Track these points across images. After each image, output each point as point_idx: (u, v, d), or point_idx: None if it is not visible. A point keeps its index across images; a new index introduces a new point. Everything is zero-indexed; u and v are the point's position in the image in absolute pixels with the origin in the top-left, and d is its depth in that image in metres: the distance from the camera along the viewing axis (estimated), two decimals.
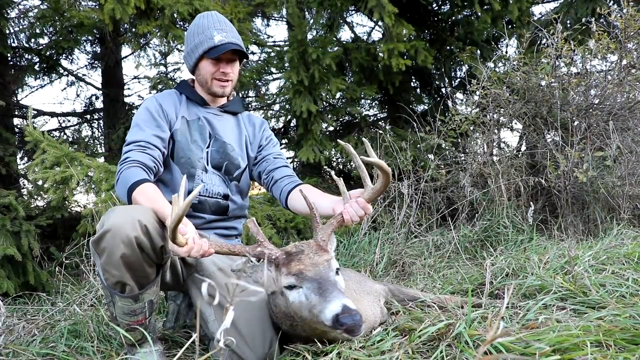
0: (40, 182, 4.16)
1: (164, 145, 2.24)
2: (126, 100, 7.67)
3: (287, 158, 7.72)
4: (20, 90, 7.62)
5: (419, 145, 5.07)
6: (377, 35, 7.24)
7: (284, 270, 1.82)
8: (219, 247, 1.86)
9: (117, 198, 3.63)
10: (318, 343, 1.92)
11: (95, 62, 7.89)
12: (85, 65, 7.99)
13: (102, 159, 6.64)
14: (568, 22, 5.78)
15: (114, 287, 1.93)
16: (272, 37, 8.11)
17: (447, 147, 5.15)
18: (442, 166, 5.01)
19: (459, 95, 6.61)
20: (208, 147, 2.37)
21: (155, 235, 1.88)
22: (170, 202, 1.70)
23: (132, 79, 8.20)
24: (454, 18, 6.54)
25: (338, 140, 2.47)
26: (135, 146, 2.14)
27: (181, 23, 5.14)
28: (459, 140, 4.98)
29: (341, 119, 6.82)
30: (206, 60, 2.30)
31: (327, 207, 2.09)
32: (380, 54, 5.49)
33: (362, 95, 6.22)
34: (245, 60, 2.52)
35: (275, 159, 2.51)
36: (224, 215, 2.40)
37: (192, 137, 2.33)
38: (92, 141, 8.02)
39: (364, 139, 1.99)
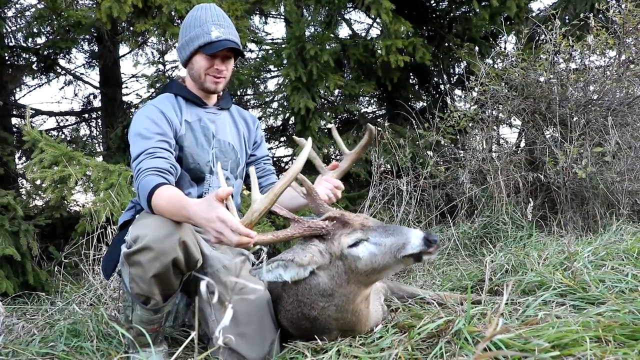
0: (38, 182, 4.16)
1: (172, 149, 2.15)
2: (124, 99, 7.66)
3: (286, 156, 7.79)
4: (18, 89, 7.62)
5: (417, 142, 5.07)
6: (375, 32, 7.24)
7: (343, 232, 1.84)
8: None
9: (116, 197, 3.63)
10: (318, 341, 1.92)
11: (93, 61, 7.88)
12: (83, 64, 7.99)
13: (100, 158, 6.64)
14: (566, 17, 5.77)
15: (138, 297, 1.93)
16: (270, 34, 8.09)
17: (446, 144, 5.14)
18: (441, 163, 5.00)
19: (458, 91, 6.61)
20: (212, 148, 2.32)
21: (193, 250, 1.89)
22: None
23: (130, 77, 8.17)
24: (452, 15, 6.53)
25: (293, 136, 2.50)
26: (144, 156, 2.02)
27: (179, 21, 5.12)
28: (458, 137, 4.98)
29: (340, 116, 6.82)
30: (201, 55, 2.23)
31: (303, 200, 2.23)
32: (379, 51, 5.49)
33: (361, 92, 6.21)
34: (241, 57, 2.48)
35: (265, 165, 2.56)
36: None
37: (197, 141, 2.27)
38: (90, 140, 8.02)
39: (330, 124, 2.04)
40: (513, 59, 4.81)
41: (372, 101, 8.01)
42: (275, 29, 18.80)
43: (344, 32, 9.18)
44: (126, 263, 1.87)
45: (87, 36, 7.23)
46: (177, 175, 2.15)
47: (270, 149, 7.55)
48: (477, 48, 5.94)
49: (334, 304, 1.86)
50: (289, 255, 1.81)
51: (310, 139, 1.84)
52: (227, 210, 1.64)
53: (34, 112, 7.43)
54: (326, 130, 6.53)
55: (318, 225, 1.85)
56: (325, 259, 1.84)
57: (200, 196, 2.28)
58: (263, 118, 7.40)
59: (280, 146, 7.71)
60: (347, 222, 1.87)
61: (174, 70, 7.09)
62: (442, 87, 7.07)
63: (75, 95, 8.24)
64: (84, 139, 7.86)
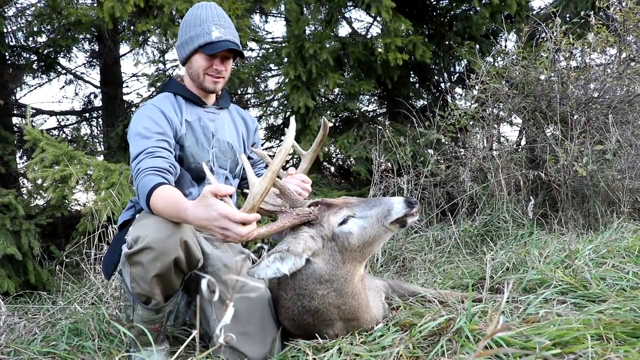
0: (39, 181, 4.16)
1: (172, 148, 2.13)
2: (125, 98, 7.67)
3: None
4: (18, 89, 7.63)
5: (418, 141, 5.06)
6: (376, 30, 7.22)
7: (330, 213, 1.89)
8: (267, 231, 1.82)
9: (117, 196, 3.63)
10: (319, 339, 1.92)
11: (94, 60, 7.89)
12: (84, 64, 7.99)
13: (101, 157, 6.63)
14: (567, 15, 5.76)
15: (139, 297, 1.94)
16: (270, 33, 8.06)
17: (446, 142, 5.13)
18: (442, 161, 4.99)
19: (458, 90, 6.60)
20: (212, 147, 2.32)
21: (194, 250, 1.90)
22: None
23: (131, 76, 8.17)
24: (452, 13, 6.52)
25: (252, 149, 2.46)
26: (144, 155, 2.00)
27: (179, 20, 5.12)
28: (459, 135, 4.97)
29: (340, 115, 6.81)
30: (200, 54, 2.22)
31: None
32: (379, 49, 5.48)
33: (361, 91, 6.20)
34: (240, 57, 2.47)
35: (259, 170, 2.58)
36: None
37: (198, 140, 2.26)
38: (91, 139, 8.03)
39: (291, 118, 2.01)
40: (513, 57, 4.80)
41: (372, 100, 8.00)
42: (276, 27, 18.86)
43: (344, 30, 9.19)
44: (127, 263, 1.87)
45: (88, 35, 7.23)
46: (177, 174, 2.14)
47: (270, 147, 7.56)
48: (477, 46, 5.93)
49: (334, 289, 1.88)
50: (283, 246, 1.82)
51: (293, 119, 1.86)
52: (226, 204, 1.63)
53: (34, 111, 7.43)
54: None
55: (305, 212, 1.89)
56: (318, 243, 1.86)
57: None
58: (263, 117, 7.40)
59: (280, 145, 7.70)
60: (330, 203, 1.93)
61: (174, 70, 7.10)
62: (442, 85, 7.06)
63: (76, 94, 8.26)
64: (84, 138, 7.87)
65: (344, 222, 1.87)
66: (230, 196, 1.68)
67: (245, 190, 2.52)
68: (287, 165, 2.48)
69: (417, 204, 1.87)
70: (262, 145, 6.30)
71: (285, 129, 1.93)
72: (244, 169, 2.49)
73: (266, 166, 2.62)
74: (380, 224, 1.87)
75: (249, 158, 2.55)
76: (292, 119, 1.80)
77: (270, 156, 2.15)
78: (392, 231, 1.92)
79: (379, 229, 1.87)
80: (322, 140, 2.13)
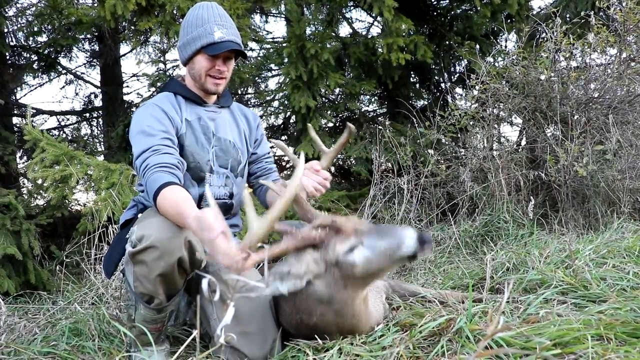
0: (39, 181, 4.16)
1: (175, 146, 2.12)
2: (125, 98, 7.67)
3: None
4: (19, 89, 7.63)
5: (418, 141, 5.06)
6: (376, 30, 7.22)
7: (337, 240, 1.80)
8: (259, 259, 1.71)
9: (117, 196, 3.64)
10: (319, 339, 1.92)
11: (94, 60, 7.89)
12: (84, 64, 8.00)
13: (101, 157, 6.64)
14: (567, 16, 5.76)
15: (142, 296, 1.94)
16: (271, 33, 8.06)
17: (446, 142, 5.13)
18: (442, 161, 5.00)
19: (459, 90, 6.60)
20: (212, 147, 2.30)
21: (198, 249, 1.91)
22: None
23: (131, 76, 8.17)
24: (453, 12, 6.52)
25: (272, 141, 2.46)
26: (150, 152, 1.99)
27: (181, 19, 5.12)
28: (459, 135, 4.97)
29: (340, 115, 6.81)
30: (202, 55, 2.20)
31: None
32: (380, 49, 5.48)
33: (362, 91, 6.21)
34: (242, 57, 2.46)
35: (266, 164, 2.56)
36: (227, 215, 2.37)
37: (197, 139, 2.25)
38: (91, 139, 8.03)
39: (308, 124, 1.99)
40: (514, 57, 4.81)
41: (372, 100, 8.00)
42: (276, 27, 18.85)
43: (344, 30, 9.18)
44: (131, 262, 1.87)
45: (88, 35, 7.24)
46: (184, 170, 2.13)
47: (271, 147, 7.55)
48: (477, 46, 5.93)
49: (333, 310, 1.85)
50: (284, 267, 1.78)
51: (302, 153, 1.82)
52: (220, 235, 1.57)
53: (35, 111, 7.43)
54: (327, 129, 6.53)
55: (311, 236, 1.83)
56: (320, 268, 1.81)
57: (200, 196, 2.27)
58: (264, 117, 7.40)
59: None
60: (339, 228, 1.83)
61: (174, 69, 7.09)
62: (442, 85, 7.05)
63: (76, 94, 8.25)
64: (85, 138, 7.87)
65: (350, 250, 1.79)
66: (233, 195, 1.67)
67: (254, 182, 2.52)
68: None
69: (430, 243, 1.75)
70: None
71: (298, 134, 1.91)
72: (248, 168, 2.50)
73: (275, 162, 2.61)
74: (387, 257, 1.77)
75: (253, 154, 2.54)
76: (302, 154, 1.75)
77: (281, 158, 2.13)
78: (400, 264, 1.85)
79: (385, 261, 1.78)
80: (345, 142, 2.09)
